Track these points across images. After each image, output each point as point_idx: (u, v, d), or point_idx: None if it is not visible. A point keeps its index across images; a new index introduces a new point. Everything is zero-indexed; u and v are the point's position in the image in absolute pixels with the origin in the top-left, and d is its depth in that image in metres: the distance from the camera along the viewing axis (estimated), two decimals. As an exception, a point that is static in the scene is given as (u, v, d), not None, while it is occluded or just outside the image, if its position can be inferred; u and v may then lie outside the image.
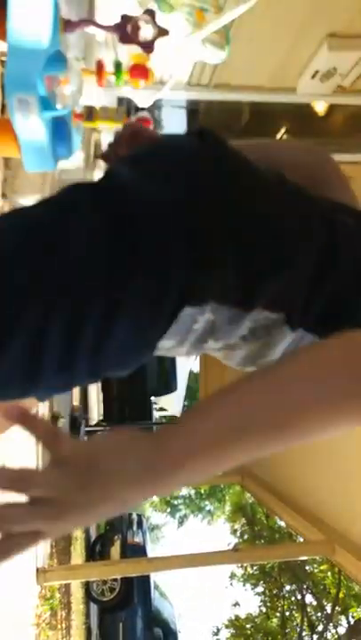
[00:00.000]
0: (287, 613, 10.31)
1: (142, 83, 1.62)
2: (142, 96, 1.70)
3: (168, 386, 8.72)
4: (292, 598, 10.49)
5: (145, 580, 6.71)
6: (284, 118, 3.23)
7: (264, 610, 10.73)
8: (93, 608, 7.05)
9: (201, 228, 0.59)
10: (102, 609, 6.74)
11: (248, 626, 10.74)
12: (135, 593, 6.58)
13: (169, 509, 18.47)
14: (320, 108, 2.94)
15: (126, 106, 2.58)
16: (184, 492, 17.55)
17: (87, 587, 6.32)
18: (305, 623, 9.90)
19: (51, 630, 3.76)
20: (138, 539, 8.03)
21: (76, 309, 0.54)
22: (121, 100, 2.66)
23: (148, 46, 1.55)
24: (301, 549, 3.94)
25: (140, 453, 0.45)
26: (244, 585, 11.42)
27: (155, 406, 11.24)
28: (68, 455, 0.44)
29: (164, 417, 15.84)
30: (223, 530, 15.42)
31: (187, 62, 1.71)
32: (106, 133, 3.10)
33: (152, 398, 9.13)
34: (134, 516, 8.87)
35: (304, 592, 10.09)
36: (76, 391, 7.39)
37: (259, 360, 0.66)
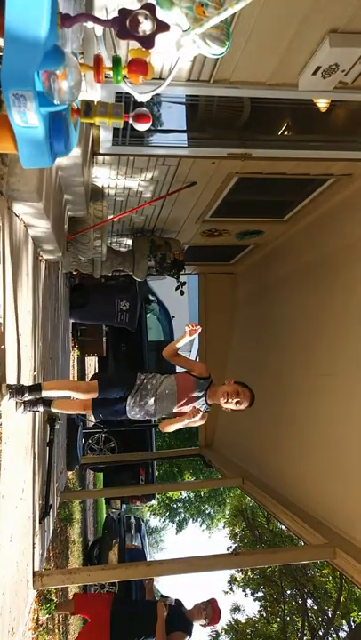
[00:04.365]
0: (288, 618, 10.24)
1: (141, 78, 1.59)
2: (141, 91, 1.67)
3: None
4: (293, 603, 10.42)
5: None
6: (285, 114, 3.21)
7: (264, 614, 10.66)
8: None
9: None
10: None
11: (248, 630, 10.67)
12: (133, 597, 6.53)
13: (168, 513, 18.38)
14: (322, 104, 2.92)
15: (125, 101, 2.56)
16: (184, 494, 17.49)
17: (85, 591, 6.27)
18: (306, 627, 9.83)
19: (48, 634, 3.72)
20: (136, 543, 7.99)
21: None
22: (120, 95, 2.64)
23: (147, 41, 1.52)
24: (302, 553, 3.90)
25: None
26: (244, 590, 11.36)
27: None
28: None
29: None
30: (223, 534, 15.33)
31: (186, 57, 1.69)
32: (104, 130, 3.09)
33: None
34: (133, 520, 8.83)
35: (305, 596, 10.03)
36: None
37: None
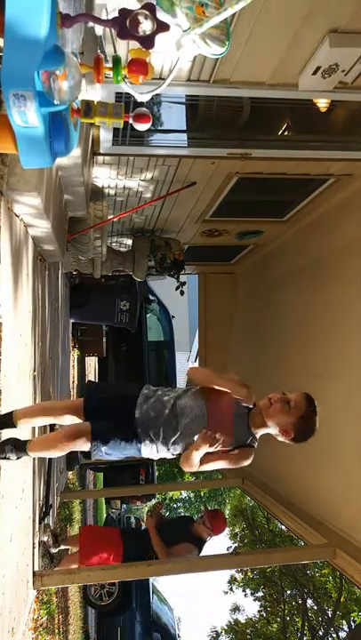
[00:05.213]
0: (288, 618, 10.24)
1: (141, 78, 1.59)
2: (141, 91, 1.67)
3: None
4: (293, 603, 10.43)
5: (144, 584, 6.66)
6: (285, 115, 3.21)
7: (264, 614, 10.67)
8: (91, 612, 6.99)
9: None
10: (100, 613, 6.68)
11: (248, 631, 10.68)
12: (134, 597, 6.53)
13: (168, 513, 18.38)
14: (322, 104, 2.92)
15: (125, 101, 2.57)
16: (184, 494, 17.50)
17: (85, 591, 6.27)
18: (306, 627, 9.84)
19: (48, 635, 3.72)
20: (137, 542, 7.96)
21: None
22: (119, 95, 2.64)
23: (147, 41, 1.52)
24: (302, 553, 3.90)
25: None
26: (244, 590, 11.36)
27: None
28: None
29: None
30: (223, 534, 15.33)
31: (186, 57, 1.69)
32: (104, 130, 3.09)
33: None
34: (132, 520, 8.84)
35: (305, 596, 10.03)
36: (74, 392, 7.34)
37: None
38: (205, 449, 1.91)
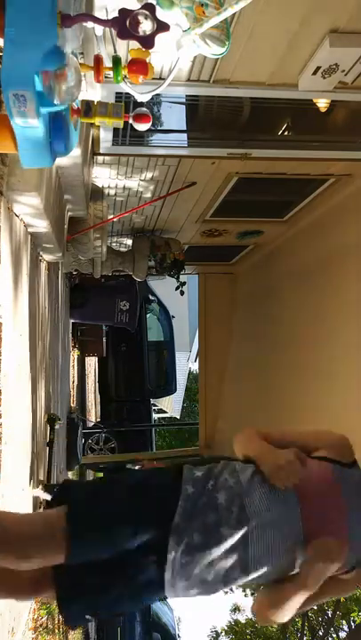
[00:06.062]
0: (287, 618, 10.24)
1: (141, 78, 1.59)
2: (141, 91, 1.67)
3: (167, 388, 8.71)
4: (293, 602, 10.42)
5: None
6: (285, 115, 3.22)
7: (264, 614, 10.67)
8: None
9: None
10: (101, 613, 6.67)
11: (248, 631, 10.68)
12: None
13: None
14: (322, 104, 2.92)
15: (125, 101, 2.57)
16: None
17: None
18: (306, 628, 9.84)
19: (48, 635, 3.72)
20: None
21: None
22: (119, 95, 2.65)
23: (147, 41, 1.52)
24: (302, 553, 3.89)
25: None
26: (244, 590, 11.37)
27: (153, 408, 11.21)
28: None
29: (163, 419, 15.72)
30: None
31: (186, 57, 1.70)
32: (104, 130, 3.10)
33: (151, 400, 9.10)
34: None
35: (304, 596, 10.03)
36: (74, 393, 7.35)
37: None
38: (323, 575, 1.05)
